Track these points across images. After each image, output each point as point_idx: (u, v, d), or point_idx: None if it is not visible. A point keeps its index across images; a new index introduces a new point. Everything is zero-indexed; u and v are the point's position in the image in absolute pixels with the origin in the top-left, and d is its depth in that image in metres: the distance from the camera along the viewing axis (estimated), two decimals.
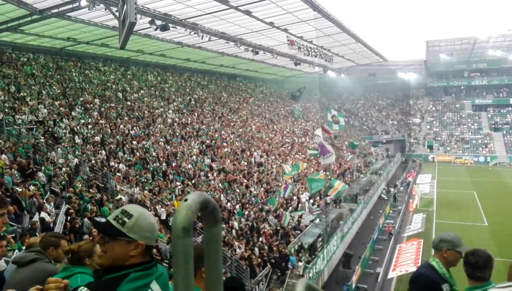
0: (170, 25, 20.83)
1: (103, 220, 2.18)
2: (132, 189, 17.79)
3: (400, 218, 29.10)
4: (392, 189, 38.09)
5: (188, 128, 29.01)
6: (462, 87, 64.80)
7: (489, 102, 61.86)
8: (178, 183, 20.88)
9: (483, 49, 53.95)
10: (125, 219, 1.74)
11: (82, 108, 23.10)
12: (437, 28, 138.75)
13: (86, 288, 1.72)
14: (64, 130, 19.80)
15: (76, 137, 19.78)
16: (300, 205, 24.89)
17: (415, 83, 65.12)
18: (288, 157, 34.45)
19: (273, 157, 32.68)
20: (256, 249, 18.01)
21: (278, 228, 20.84)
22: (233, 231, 18.87)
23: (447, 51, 55.85)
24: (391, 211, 31.29)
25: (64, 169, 15.97)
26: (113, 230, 1.74)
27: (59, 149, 17.50)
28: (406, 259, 18.52)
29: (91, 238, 11.16)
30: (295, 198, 25.66)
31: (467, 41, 50.57)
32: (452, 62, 60.40)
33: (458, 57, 58.53)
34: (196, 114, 32.66)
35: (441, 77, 65.36)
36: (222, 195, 21.78)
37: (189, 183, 21.52)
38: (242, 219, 20.47)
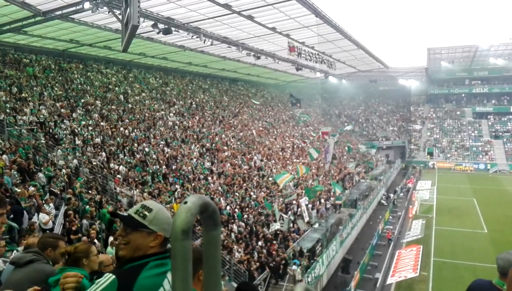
0: (173, 28, 20.87)
1: (125, 214, 2.34)
2: (132, 191, 17.77)
3: (399, 224, 29.06)
4: (391, 195, 38.03)
5: (188, 132, 29.03)
6: (463, 95, 64.86)
7: (490, 110, 61.91)
8: (177, 186, 20.86)
9: (485, 57, 54.02)
10: (146, 212, 1.91)
11: (83, 110, 23.12)
12: (438, 36, 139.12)
13: (112, 275, 1.84)
14: (65, 132, 19.81)
15: (77, 139, 19.79)
16: (299, 209, 24.84)
17: (416, 90, 65.17)
18: (288, 161, 34.43)
19: (273, 161, 32.67)
20: (255, 253, 17.98)
21: (278, 232, 20.79)
22: (232, 234, 18.84)
23: (448, 58, 55.90)
24: (390, 217, 31.25)
25: (64, 170, 15.95)
26: (136, 222, 1.91)
27: (59, 150, 17.50)
28: (405, 265, 18.52)
29: (88, 239, 11.15)
30: (294, 202, 25.62)
31: (469, 49, 50.61)
32: (453, 70, 60.46)
33: (459, 65, 58.58)
34: (197, 117, 32.69)
35: (442, 84, 65.40)
36: (221, 198, 21.76)
37: (189, 186, 21.51)
38: (241, 223, 20.43)
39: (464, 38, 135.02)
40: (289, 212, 23.69)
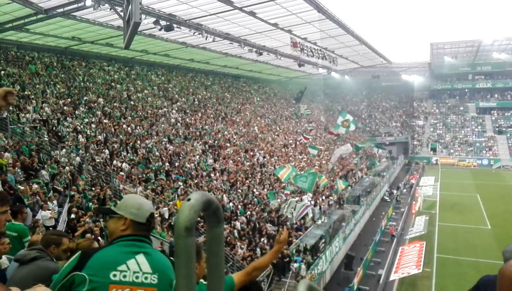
0: (175, 25, 20.86)
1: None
2: (135, 188, 17.80)
3: (402, 220, 29.04)
4: (394, 191, 37.99)
5: (191, 129, 29.05)
6: (466, 90, 64.60)
7: (493, 105, 61.62)
8: (180, 183, 20.89)
9: (488, 52, 53.79)
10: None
11: (86, 107, 23.16)
12: (441, 31, 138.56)
13: (79, 251, 1.98)
14: (68, 129, 19.86)
15: (80, 136, 19.83)
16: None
17: (419, 86, 64.94)
18: (290, 158, 34.42)
19: (276, 158, 32.66)
20: (258, 250, 18.02)
21: (280, 229, 20.79)
22: (235, 231, 18.88)
23: (451, 53, 55.77)
24: (393, 213, 31.23)
25: (67, 167, 16.00)
26: (107, 210, 2.21)
27: (64, 149, 17.55)
28: (409, 261, 18.51)
29: (93, 236, 11.19)
30: (297, 198, 25.62)
31: (472, 44, 50.46)
32: (456, 65, 60.21)
33: (462, 59, 58.41)
34: (199, 114, 32.70)
35: (445, 79, 65.16)
36: (224, 195, 21.79)
37: (192, 183, 21.55)
38: (243, 218, 20.47)
39: (467, 32, 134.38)
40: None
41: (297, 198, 23.97)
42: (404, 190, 39.36)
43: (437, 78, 64.62)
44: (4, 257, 3.91)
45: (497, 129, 57.90)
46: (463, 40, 50.87)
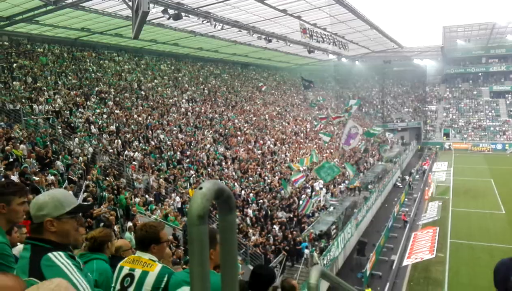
0: (183, 14, 20.76)
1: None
2: (148, 178, 17.98)
3: (415, 206, 28.91)
4: (407, 177, 37.74)
5: (201, 118, 29.12)
6: (480, 74, 63.34)
7: (508, 89, 60.31)
8: (192, 172, 21.03)
9: (502, 34, 52.52)
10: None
11: (98, 98, 23.35)
12: (454, 13, 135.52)
13: None
14: (80, 120, 20.07)
15: (92, 127, 20.04)
16: (314, 193, 24.89)
17: (432, 70, 63.93)
18: (301, 145, 34.35)
19: (287, 145, 32.63)
20: (270, 236, 18.14)
21: (292, 216, 20.92)
22: (248, 218, 19.02)
23: (464, 37, 54.66)
24: (406, 199, 31.10)
25: (81, 158, 16.21)
26: None
27: (76, 139, 17.78)
28: (421, 247, 18.48)
29: (107, 225, 11.36)
30: (308, 185, 25.65)
31: (485, 26, 49.34)
32: (469, 48, 59.04)
33: (475, 43, 57.21)
34: (209, 103, 32.72)
35: (458, 63, 63.96)
36: (236, 183, 21.89)
37: (203, 171, 21.68)
38: (255, 205, 20.59)
39: (481, 15, 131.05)
40: (304, 196, 23.67)
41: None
42: (417, 176, 39.09)
43: (450, 62, 63.46)
44: (21, 245, 3.99)
45: (511, 113, 56.85)
46: (477, 23, 49.76)
